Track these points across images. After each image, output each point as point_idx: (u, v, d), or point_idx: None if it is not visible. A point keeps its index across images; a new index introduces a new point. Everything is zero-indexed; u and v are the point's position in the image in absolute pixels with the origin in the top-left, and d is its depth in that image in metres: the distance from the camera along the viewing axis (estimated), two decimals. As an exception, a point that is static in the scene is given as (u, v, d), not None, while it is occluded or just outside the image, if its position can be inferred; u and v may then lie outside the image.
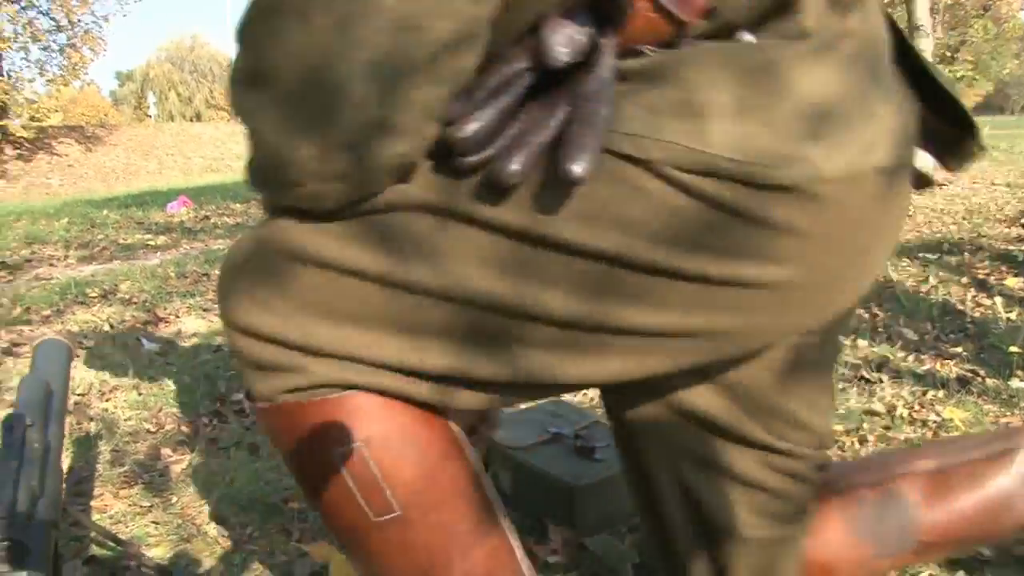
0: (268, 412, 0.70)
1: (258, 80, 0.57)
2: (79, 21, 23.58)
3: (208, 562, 1.37)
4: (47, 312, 3.02)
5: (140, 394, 2.19)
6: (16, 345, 2.59)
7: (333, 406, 0.67)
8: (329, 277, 0.63)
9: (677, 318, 0.62)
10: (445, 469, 0.70)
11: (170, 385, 2.24)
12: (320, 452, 0.68)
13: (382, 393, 0.67)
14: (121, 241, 5.21)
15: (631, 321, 0.62)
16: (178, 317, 2.98)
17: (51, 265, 4.49)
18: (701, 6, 0.59)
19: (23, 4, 22.17)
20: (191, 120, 43.89)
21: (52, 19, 23.37)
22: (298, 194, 0.60)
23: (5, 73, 21.97)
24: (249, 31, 0.57)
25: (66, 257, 4.76)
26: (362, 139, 0.56)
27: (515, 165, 0.56)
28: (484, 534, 0.73)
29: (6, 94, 21.53)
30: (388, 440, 0.67)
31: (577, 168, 0.55)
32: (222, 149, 25.78)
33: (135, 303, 3.16)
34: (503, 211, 0.59)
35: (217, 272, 0.74)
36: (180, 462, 1.76)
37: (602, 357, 0.64)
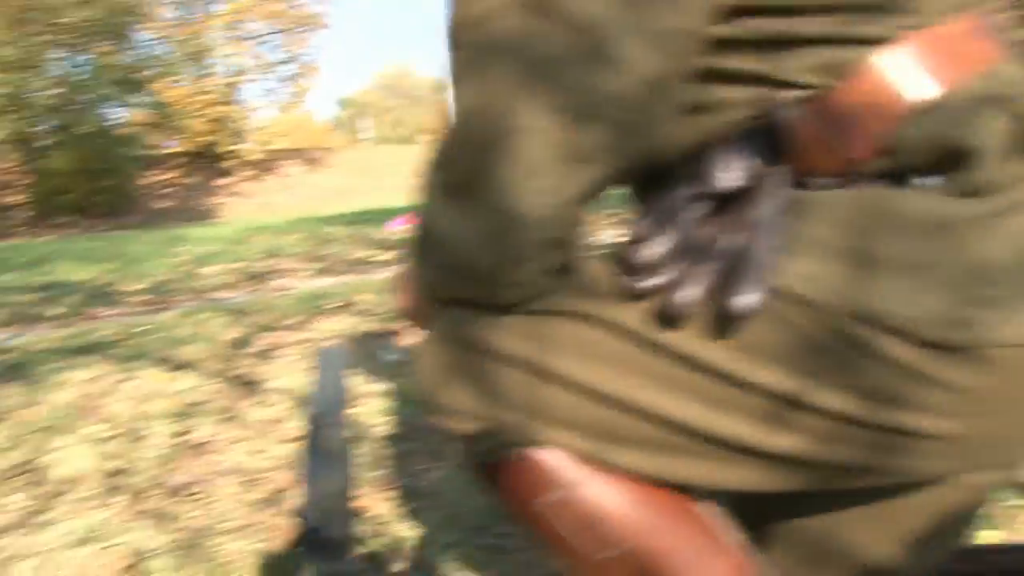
0: (480, 475, 0.78)
1: (452, 193, 0.65)
2: (303, 53, 25.87)
3: (476, 568, 1.44)
4: (296, 320, 3.34)
5: (387, 402, 2.37)
6: (271, 349, 2.89)
7: (531, 461, 0.72)
8: (529, 378, 0.69)
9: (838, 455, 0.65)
10: (656, 495, 0.73)
11: (413, 394, 2.40)
12: (529, 504, 0.73)
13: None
14: (351, 256, 5.64)
15: (786, 449, 0.65)
16: (411, 330, 3.18)
17: (290, 277, 4.95)
18: (873, 144, 0.59)
19: (257, 40, 24.65)
20: (403, 143, 46.53)
21: (281, 52, 25.81)
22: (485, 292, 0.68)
23: (240, 101, 24.45)
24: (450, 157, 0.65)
25: (304, 270, 5.23)
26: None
27: (686, 297, 0.60)
28: (714, 556, 0.74)
29: (241, 121, 23.99)
30: (593, 484, 0.71)
31: (742, 302, 0.58)
32: (430, 171, 27.11)
33: (372, 315, 3.42)
34: (672, 336, 0.63)
35: None
36: (436, 470, 1.88)
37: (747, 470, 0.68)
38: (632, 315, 0.65)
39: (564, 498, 0.71)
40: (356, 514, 1.23)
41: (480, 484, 0.82)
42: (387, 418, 2.22)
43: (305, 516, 0.98)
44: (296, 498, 1.74)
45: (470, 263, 0.66)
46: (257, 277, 4.98)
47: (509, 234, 0.62)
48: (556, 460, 0.72)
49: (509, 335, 0.70)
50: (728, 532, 0.77)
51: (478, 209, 0.62)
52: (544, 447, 0.71)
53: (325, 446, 1.07)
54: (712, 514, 0.77)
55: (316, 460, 1.05)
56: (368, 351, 2.88)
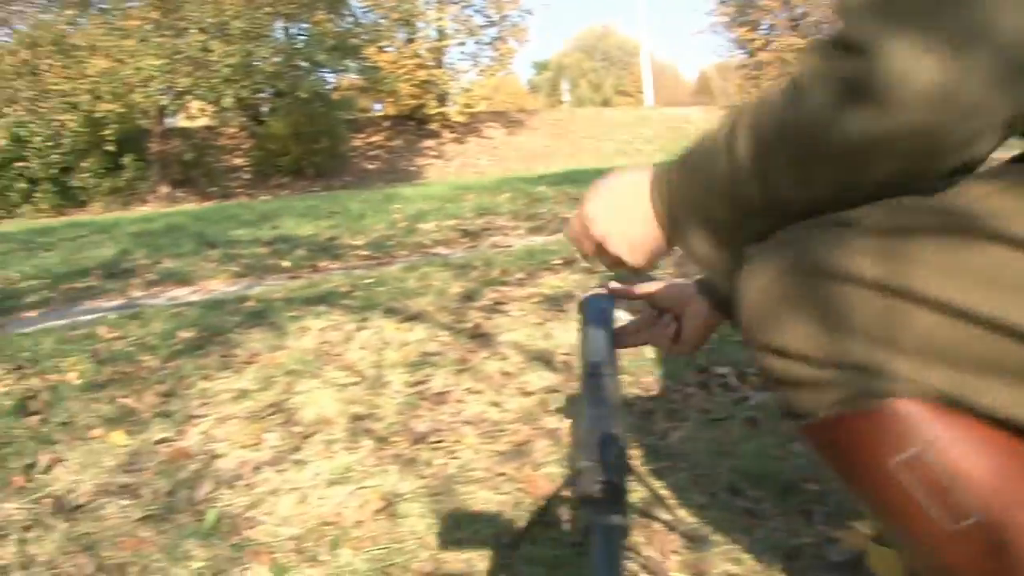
0: (812, 428, 0.70)
1: None
2: (507, 16, 26.15)
3: (727, 530, 1.36)
4: (520, 275, 3.35)
5: (622, 362, 2.30)
6: (499, 304, 2.90)
7: (883, 414, 0.65)
8: (876, 298, 0.63)
9: None
10: (1019, 459, 0.65)
11: (649, 353, 2.32)
12: (877, 463, 0.67)
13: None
14: (563, 215, 5.63)
15: None
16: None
17: (504, 235, 5.01)
18: None
19: (463, 4, 25.21)
20: (601, 106, 46.34)
21: (485, 15, 26.26)
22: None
23: (446, 65, 25.19)
24: None
25: (516, 227, 5.28)
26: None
27: None
28: None
29: (446, 84, 24.74)
30: (952, 439, 0.64)
31: None
32: (632, 133, 26.87)
33: (596, 273, 3.37)
34: None
35: None
36: (677, 429, 1.80)
37: None
38: None
39: (920, 455, 0.64)
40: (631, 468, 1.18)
41: (806, 440, 0.74)
42: (625, 378, 2.15)
43: (582, 467, 0.92)
44: (562, 449, 1.72)
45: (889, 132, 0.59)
46: (472, 234, 5.08)
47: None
48: (913, 410, 0.64)
49: (861, 256, 0.65)
50: None
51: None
52: (899, 393, 0.64)
53: (604, 395, 1.01)
54: None
55: (596, 409, 0.99)
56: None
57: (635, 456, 1.69)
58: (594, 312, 1.22)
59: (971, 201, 0.64)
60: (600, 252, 0.92)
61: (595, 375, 1.06)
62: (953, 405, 0.64)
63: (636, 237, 0.87)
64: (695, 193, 0.78)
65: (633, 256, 0.89)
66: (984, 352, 0.62)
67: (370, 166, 22.01)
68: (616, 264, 0.92)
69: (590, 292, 1.26)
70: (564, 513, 1.45)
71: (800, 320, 0.67)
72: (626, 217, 0.87)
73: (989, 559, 0.65)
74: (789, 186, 0.69)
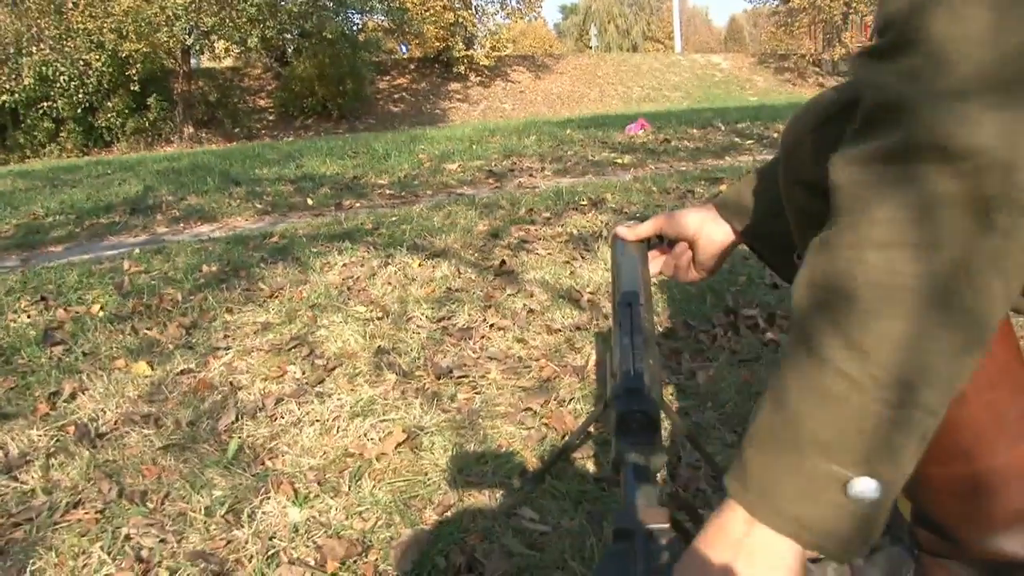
0: None
1: None
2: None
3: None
4: (547, 215, 3.30)
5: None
6: (526, 241, 2.86)
7: None
8: None
9: None
10: (1003, 347, 0.70)
11: (676, 293, 2.27)
12: None
13: None
14: (590, 157, 5.55)
15: None
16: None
17: (531, 176, 4.94)
18: None
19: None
20: (629, 51, 45.63)
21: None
22: None
23: (473, 7, 24.78)
24: None
25: (542, 169, 5.21)
26: None
27: None
28: None
29: (474, 26, 24.37)
30: None
31: None
32: (660, 79, 26.44)
33: (624, 213, 3.31)
34: None
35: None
36: (705, 369, 1.77)
37: None
38: None
39: None
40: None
41: None
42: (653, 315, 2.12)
43: (619, 397, 0.88)
44: (588, 386, 1.69)
45: None
46: (498, 175, 5.02)
47: None
48: None
49: None
50: None
51: None
52: None
53: (638, 325, 0.96)
54: None
55: (630, 340, 0.94)
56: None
57: (662, 394, 1.65)
58: (623, 246, 1.18)
59: None
60: None
61: (629, 305, 1.02)
62: None
63: None
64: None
65: None
66: None
67: (395, 108, 21.86)
68: None
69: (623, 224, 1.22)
70: (589, 448, 1.42)
71: None
72: None
73: (945, 428, 0.53)
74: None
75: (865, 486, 0.50)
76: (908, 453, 0.50)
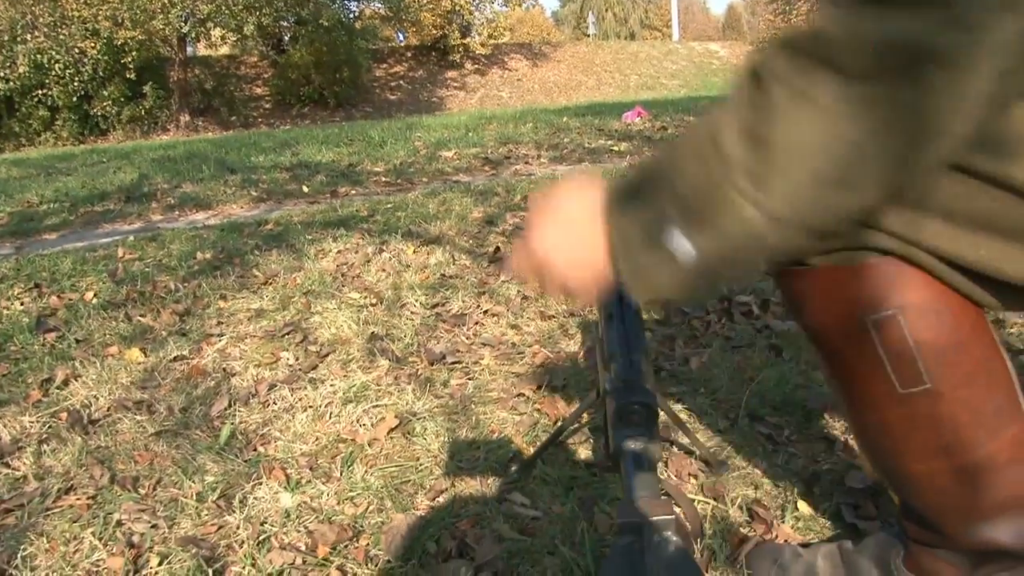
0: (796, 275, 0.72)
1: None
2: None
3: (746, 455, 1.33)
4: (541, 201, 3.29)
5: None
6: (521, 228, 2.85)
7: (869, 271, 0.67)
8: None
9: None
10: (977, 343, 0.70)
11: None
12: (851, 318, 0.70)
13: (913, 264, 0.66)
14: (586, 145, 5.54)
15: None
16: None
17: (527, 163, 4.93)
18: None
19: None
20: (626, 39, 45.49)
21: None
22: None
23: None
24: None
25: (539, 156, 5.20)
26: None
27: None
28: (1010, 418, 0.72)
29: (470, 14, 24.27)
30: (924, 307, 0.67)
31: None
32: (657, 67, 26.38)
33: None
34: None
35: None
36: (698, 355, 1.76)
37: None
38: None
39: (895, 317, 0.68)
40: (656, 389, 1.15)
41: (788, 288, 0.76)
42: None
43: (617, 388, 0.88)
44: (580, 372, 1.69)
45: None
46: (494, 162, 5.01)
47: None
48: (896, 271, 0.67)
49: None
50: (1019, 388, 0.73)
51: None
52: (888, 250, 0.65)
53: (630, 316, 0.96)
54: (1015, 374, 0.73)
55: (623, 331, 0.94)
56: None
57: (657, 381, 1.65)
58: None
59: None
60: (541, 276, 0.72)
61: (619, 296, 1.01)
62: (938, 265, 0.65)
63: (581, 259, 0.68)
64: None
65: (575, 280, 0.69)
66: (980, 209, 0.60)
67: (391, 96, 21.79)
68: (558, 289, 0.72)
69: None
70: (581, 435, 1.42)
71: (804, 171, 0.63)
72: (575, 235, 0.68)
73: (924, 425, 0.71)
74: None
75: (680, 243, 0.58)
76: (721, 234, 0.57)
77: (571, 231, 0.67)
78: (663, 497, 0.84)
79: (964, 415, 0.71)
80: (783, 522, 1.14)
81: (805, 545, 1.02)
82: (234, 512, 1.24)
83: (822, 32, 0.52)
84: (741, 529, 1.12)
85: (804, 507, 1.17)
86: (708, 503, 1.19)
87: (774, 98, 0.53)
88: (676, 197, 0.58)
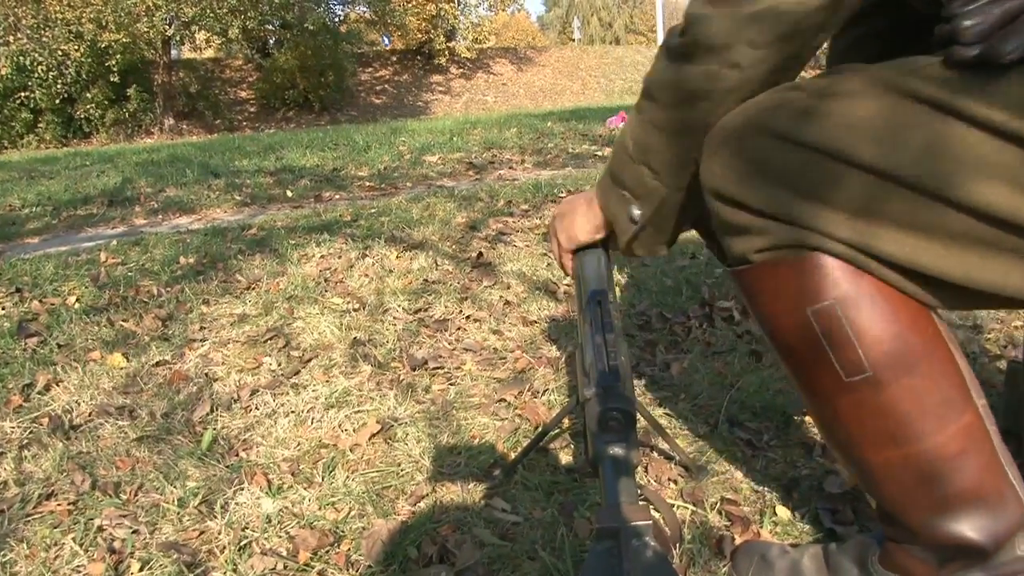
0: (744, 273, 0.80)
1: None
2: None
3: (726, 460, 1.34)
4: (525, 207, 3.30)
5: (621, 293, 2.27)
6: (504, 233, 2.86)
7: (807, 264, 0.73)
8: (817, 163, 0.70)
9: None
10: (918, 334, 0.74)
11: (652, 286, 2.29)
12: (794, 310, 0.76)
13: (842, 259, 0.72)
14: (570, 150, 5.56)
15: None
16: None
17: (511, 168, 4.94)
18: None
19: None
20: (611, 44, 45.61)
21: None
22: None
23: (456, 0, 24.67)
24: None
25: (523, 161, 5.21)
26: None
27: (1010, 46, 0.61)
28: (959, 410, 0.74)
29: (456, 19, 24.28)
30: (859, 299, 0.72)
31: None
32: (642, 72, 26.48)
33: (601, 205, 3.32)
34: (995, 111, 0.62)
35: None
36: (679, 360, 1.78)
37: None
38: (961, 91, 0.64)
39: (832, 307, 0.73)
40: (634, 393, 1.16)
41: (739, 287, 0.83)
42: (626, 308, 2.13)
43: (593, 394, 0.89)
44: (562, 377, 1.69)
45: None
46: (478, 167, 5.01)
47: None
48: (831, 264, 0.72)
49: (802, 119, 0.72)
50: (977, 389, 0.76)
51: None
52: (821, 247, 0.72)
53: (607, 323, 0.97)
54: (968, 367, 0.77)
55: (601, 338, 0.95)
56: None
57: (636, 386, 1.66)
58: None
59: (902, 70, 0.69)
60: (558, 245, 1.11)
61: (597, 303, 1.02)
62: (861, 258, 0.71)
63: (580, 222, 1.06)
64: (621, 163, 0.94)
65: (582, 234, 1.06)
66: (895, 206, 0.68)
67: (376, 100, 21.77)
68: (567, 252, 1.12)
69: None
70: (562, 440, 1.43)
71: (747, 172, 0.75)
72: (577, 211, 1.06)
73: (871, 414, 0.75)
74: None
75: (635, 212, 0.93)
76: (650, 202, 0.92)
77: (572, 213, 1.06)
78: (641, 502, 0.85)
79: (908, 404, 0.74)
80: (762, 527, 1.15)
81: (793, 546, 1.03)
82: (215, 517, 1.24)
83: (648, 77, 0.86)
84: (720, 534, 1.13)
85: (783, 512, 1.18)
86: (687, 508, 1.20)
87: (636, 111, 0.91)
88: (625, 187, 0.93)
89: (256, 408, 1.64)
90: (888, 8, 0.84)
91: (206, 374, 1.82)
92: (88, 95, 16.44)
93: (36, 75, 15.60)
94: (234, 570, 1.11)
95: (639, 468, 1.31)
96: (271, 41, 20.73)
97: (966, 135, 0.64)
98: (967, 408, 0.75)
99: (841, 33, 0.77)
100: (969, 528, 0.76)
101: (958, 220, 0.65)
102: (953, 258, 0.67)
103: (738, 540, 1.11)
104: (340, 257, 2.65)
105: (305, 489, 1.31)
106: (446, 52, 23.85)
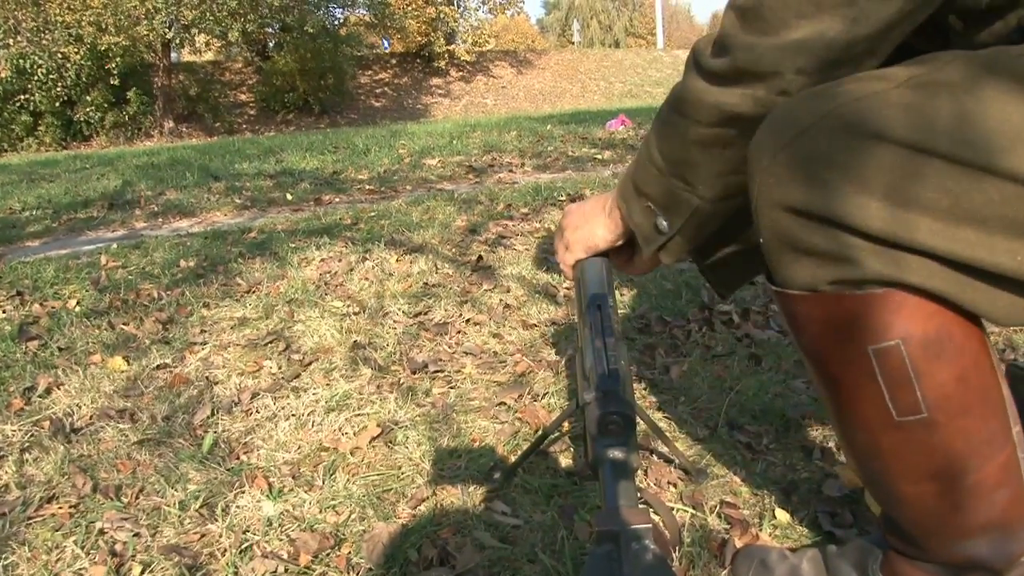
0: (800, 299, 0.73)
1: None
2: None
3: (725, 464, 1.35)
4: (525, 210, 3.30)
5: (621, 296, 2.28)
6: (503, 237, 2.86)
7: (876, 301, 0.67)
8: (904, 156, 0.62)
9: None
10: (977, 374, 0.71)
11: (651, 290, 2.29)
12: (854, 345, 0.71)
13: (925, 294, 0.66)
14: (570, 153, 5.56)
15: None
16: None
17: (510, 171, 4.95)
18: None
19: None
20: (611, 47, 45.63)
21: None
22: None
23: (455, 2, 24.72)
24: None
25: (522, 165, 5.22)
26: None
27: None
28: (1000, 446, 0.73)
29: (455, 21, 24.31)
30: (926, 340, 0.68)
31: None
32: (642, 75, 26.51)
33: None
34: None
35: None
36: (678, 364, 1.78)
37: None
38: None
39: (896, 348, 0.69)
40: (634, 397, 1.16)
41: (786, 310, 0.77)
42: (626, 311, 2.13)
43: (593, 397, 0.89)
44: (561, 381, 1.70)
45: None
46: (478, 170, 5.02)
47: None
48: (902, 302, 0.67)
49: (905, 115, 0.63)
50: (1016, 421, 0.74)
51: None
52: (896, 282, 0.66)
53: (608, 327, 0.98)
54: (1011, 399, 0.75)
55: (601, 342, 0.96)
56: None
57: (636, 390, 1.67)
58: None
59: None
60: (567, 251, 1.09)
61: (598, 307, 1.03)
62: (936, 270, 0.65)
63: (595, 229, 1.05)
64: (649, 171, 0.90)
65: (602, 243, 1.05)
66: (970, 203, 0.61)
67: (376, 103, 21.79)
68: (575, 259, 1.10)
69: None
70: (561, 444, 1.44)
71: (831, 181, 0.65)
72: (593, 220, 1.04)
73: (917, 452, 0.73)
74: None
75: (663, 223, 0.90)
76: (680, 213, 0.88)
77: (586, 219, 1.05)
78: (641, 505, 0.86)
79: (959, 444, 0.71)
80: (761, 530, 1.16)
81: (792, 550, 1.04)
82: (216, 520, 1.24)
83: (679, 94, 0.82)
84: (720, 537, 1.14)
85: (782, 515, 1.19)
86: (687, 511, 1.21)
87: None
88: (651, 199, 0.90)
89: (257, 411, 1.64)
90: (925, 28, 0.75)
91: (207, 377, 1.83)
92: (88, 98, 16.46)
93: (36, 78, 15.62)
94: (235, 573, 1.11)
95: (639, 471, 1.32)
96: (271, 44, 20.76)
97: None
98: (1007, 442, 0.73)
99: None
100: (986, 550, 0.76)
101: None
102: None
103: (738, 543, 1.11)
104: (340, 260, 2.66)
105: (306, 492, 1.31)
106: (446, 55, 23.89)
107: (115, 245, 3.16)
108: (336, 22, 21.16)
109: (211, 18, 16.77)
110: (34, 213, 4.33)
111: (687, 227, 0.89)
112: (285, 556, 1.14)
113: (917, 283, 0.65)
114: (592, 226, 1.03)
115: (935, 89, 0.62)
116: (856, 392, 0.74)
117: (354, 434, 1.52)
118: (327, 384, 1.75)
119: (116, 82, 16.34)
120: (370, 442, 1.48)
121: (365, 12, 21.57)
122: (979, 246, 0.61)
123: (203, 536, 1.21)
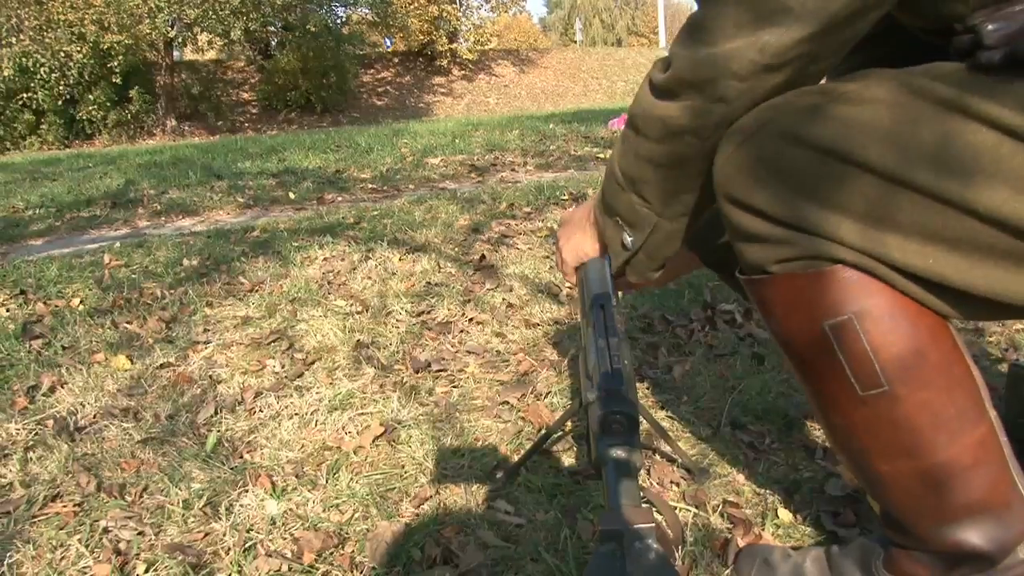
0: (760, 283, 0.79)
1: None
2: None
3: (728, 463, 1.35)
4: (527, 209, 3.31)
5: (624, 296, 2.28)
6: (505, 236, 2.87)
7: (825, 278, 0.72)
8: (828, 164, 0.69)
9: None
10: (935, 348, 0.73)
11: (654, 289, 2.29)
12: (811, 323, 0.75)
13: (866, 271, 0.71)
14: (572, 152, 5.56)
15: None
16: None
17: (513, 170, 4.95)
18: None
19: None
20: (613, 45, 45.61)
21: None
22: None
23: (458, 1, 24.69)
24: None
25: (525, 164, 5.22)
26: None
27: None
28: (973, 422, 0.74)
29: (458, 20, 24.30)
30: (879, 313, 0.72)
31: None
32: (644, 74, 26.46)
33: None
34: (1016, 114, 0.61)
35: None
36: (681, 363, 1.78)
37: None
38: (980, 95, 0.64)
39: (850, 322, 0.72)
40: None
41: (753, 297, 0.83)
42: (629, 311, 2.13)
43: (596, 397, 0.90)
44: (564, 380, 1.70)
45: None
46: (481, 169, 5.02)
47: None
48: (851, 278, 0.71)
49: (831, 126, 0.70)
50: (990, 402, 0.76)
51: None
52: (842, 259, 0.71)
53: (611, 327, 0.98)
54: (982, 379, 0.77)
55: (604, 342, 0.96)
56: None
57: (639, 389, 1.67)
58: None
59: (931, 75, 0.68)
60: (562, 259, 1.11)
61: (601, 307, 1.03)
62: (881, 269, 0.70)
63: (583, 240, 1.07)
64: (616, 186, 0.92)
65: (591, 251, 1.07)
66: (908, 212, 0.67)
67: (378, 102, 21.79)
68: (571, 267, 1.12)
69: None
70: (564, 443, 1.44)
71: (760, 175, 0.73)
72: (580, 231, 1.07)
73: (886, 427, 0.75)
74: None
75: (627, 238, 0.93)
76: (642, 229, 0.91)
77: (576, 228, 1.07)
78: (644, 505, 0.86)
79: (923, 417, 0.74)
80: (764, 529, 1.16)
81: (795, 549, 1.04)
82: (220, 519, 1.24)
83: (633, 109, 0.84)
84: (722, 536, 1.14)
85: (785, 514, 1.19)
86: (690, 510, 1.21)
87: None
88: (618, 214, 0.92)
89: (260, 410, 1.65)
90: (889, 36, 0.82)
91: (210, 376, 1.83)
92: (90, 96, 16.46)
93: (39, 76, 15.63)
94: (239, 572, 1.12)
95: (642, 471, 1.32)
96: (273, 43, 20.76)
97: (983, 137, 0.63)
98: (981, 420, 0.75)
99: (841, 61, 0.75)
100: (977, 536, 0.77)
101: (981, 230, 0.64)
102: (977, 271, 0.66)
103: (740, 542, 1.11)
104: (343, 259, 2.66)
105: (309, 491, 1.31)
106: (448, 54, 23.87)
107: (118, 244, 3.17)
108: (338, 21, 21.16)
109: (213, 17, 16.77)
110: (37, 212, 4.34)
111: (649, 244, 0.92)
112: (289, 555, 1.14)
113: (851, 260, 0.71)
114: (579, 239, 1.07)
115: (843, 97, 0.70)
116: (822, 371, 0.77)
117: (357, 433, 1.52)
118: (330, 383, 1.75)
119: (119, 81, 16.33)
120: (373, 441, 1.48)
121: (367, 11, 21.55)
122: (897, 248, 0.68)
123: (207, 535, 1.21)
